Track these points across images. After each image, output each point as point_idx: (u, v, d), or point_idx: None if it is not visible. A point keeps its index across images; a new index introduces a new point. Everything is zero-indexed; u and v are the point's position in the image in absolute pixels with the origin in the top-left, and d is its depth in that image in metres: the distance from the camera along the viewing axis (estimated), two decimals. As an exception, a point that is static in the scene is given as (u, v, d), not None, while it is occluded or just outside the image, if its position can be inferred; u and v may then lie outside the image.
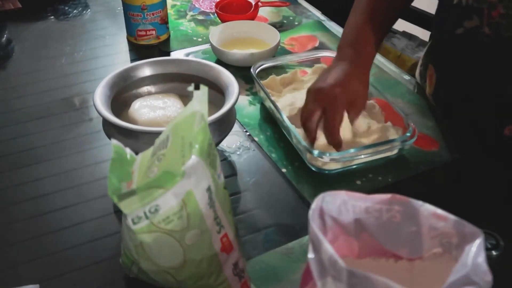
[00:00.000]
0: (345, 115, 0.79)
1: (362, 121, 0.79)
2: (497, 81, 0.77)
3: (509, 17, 0.72)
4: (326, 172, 0.74)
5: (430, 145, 0.81)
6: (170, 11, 1.17)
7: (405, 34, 1.49)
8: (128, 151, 0.57)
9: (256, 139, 0.82)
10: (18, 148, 0.80)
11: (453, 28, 0.79)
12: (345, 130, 0.76)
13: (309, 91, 0.74)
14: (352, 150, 0.73)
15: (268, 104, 0.83)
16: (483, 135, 0.80)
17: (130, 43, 1.07)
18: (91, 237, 0.66)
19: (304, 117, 0.74)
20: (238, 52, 0.98)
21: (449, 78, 0.85)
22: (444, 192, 0.72)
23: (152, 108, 0.76)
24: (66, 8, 1.20)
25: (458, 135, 0.82)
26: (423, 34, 1.43)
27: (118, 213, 0.67)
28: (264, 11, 1.17)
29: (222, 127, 0.73)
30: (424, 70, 0.91)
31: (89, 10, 1.20)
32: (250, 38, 1.04)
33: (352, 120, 0.75)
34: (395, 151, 0.76)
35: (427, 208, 0.44)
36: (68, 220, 0.68)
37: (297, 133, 0.74)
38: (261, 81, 0.86)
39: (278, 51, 1.01)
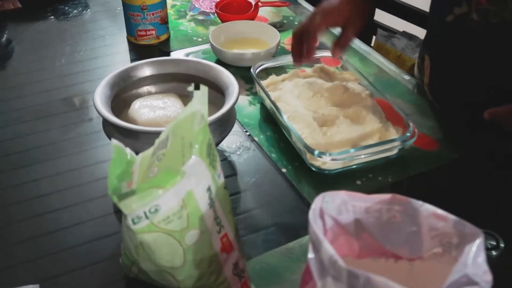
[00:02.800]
0: (345, 120, 0.79)
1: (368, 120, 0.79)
2: (487, 67, 0.78)
3: (497, 3, 0.72)
4: (326, 172, 0.74)
5: (430, 145, 0.81)
6: (170, 11, 1.17)
7: (405, 34, 1.49)
8: (128, 151, 0.56)
9: (256, 139, 0.82)
10: (18, 148, 0.80)
11: (444, 15, 0.80)
12: (345, 131, 0.77)
13: None
14: (352, 150, 0.73)
15: (268, 104, 0.83)
16: (477, 125, 0.80)
17: (130, 43, 1.07)
18: (91, 237, 0.66)
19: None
20: (238, 52, 0.98)
21: (442, 66, 0.85)
22: (444, 192, 0.72)
23: (152, 108, 0.76)
24: (66, 8, 1.20)
25: (454, 127, 0.83)
26: (423, 34, 1.43)
27: (118, 213, 0.67)
28: (264, 11, 1.17)
29: (222, 127, 0.73)
30: (422, 62, 0.91)
31: (89, 10, 1.20)
32: (250, 38, 1.04)
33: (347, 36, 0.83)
34: (395, 151, 0.76)
35: (427, 208, 0.44)
36: (68, 220, 0.68)
37: (297, 133, 0.74)
38: (261, 81, 0.86)
39: (278, 51, 1.01)
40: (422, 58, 0.92)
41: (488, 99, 0.79)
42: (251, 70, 0.87)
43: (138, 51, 1.04)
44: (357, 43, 1.07)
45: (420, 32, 1.46)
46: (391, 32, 1.51)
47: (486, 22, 0.74)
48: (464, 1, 0.76)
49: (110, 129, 0.71)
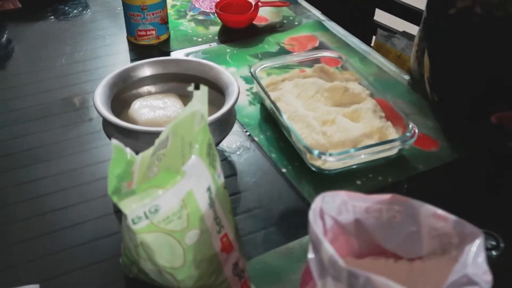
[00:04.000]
0: (345, 120, 0.79)
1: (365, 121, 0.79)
2: (489, 60, 0.78)
3: None
4: (326, 172, 0.74)
5: (430, 145, 0.81)
6: (170, 11, 1.17)
7: (405, 34, 1.49)
8: (128, 151, 0.56)
9: (256, 139, 0.82)
10: (18, 148, 0.80)
11: (445, 8, 0.80)
12: (345, 131, 0.77)
13: None
14: (352, 150, 0.73)
15: (268, 104, 0.83)
16: (478, 124, 0.80)
17: (130, 43, 1.07)
18: (91, 237, 0.66)
19: None
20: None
21: (443, 59, 0.85)
22: (444, 192, 0.72)
23: (152, 108, 0.76)
24: (66, 8, 1.20)
25: (454, 124, 0.83)
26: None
27: (118, 213, 0.67)
28: (264, 11, 1.17)
29: (222, 127, 0.73)
30: (421, 55, 0.91)
31: (89, 10, 1.20)
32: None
33: None
34: (395, 151, 0.76)
35: (427, 208, 0.44)
36: (68, 220, 0.68)
37: (297, 133, 0.74)
38: (261, 81, 0.85)
39: (278, 51, 1.01)
40: (422, 51, 0.91)
41: (489, 92, 0.79)
42: (251, 70, 0.87)
43: (138, 51, 1.04)
44: (357, 43, 1.07)
45: (420, 32, 1.46)
46: (391, 32, 1.51)
47: (489, 15, 0.74)
48: None
49: (110, 129, 0.71)
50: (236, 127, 0.80)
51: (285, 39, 1.07)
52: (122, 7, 1.04)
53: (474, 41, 0.78)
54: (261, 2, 1.14)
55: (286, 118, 0.77)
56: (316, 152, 0.71)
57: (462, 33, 0.79)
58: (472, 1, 0.75)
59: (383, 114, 0.81)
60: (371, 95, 0.84)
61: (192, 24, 1.14)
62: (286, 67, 0.93)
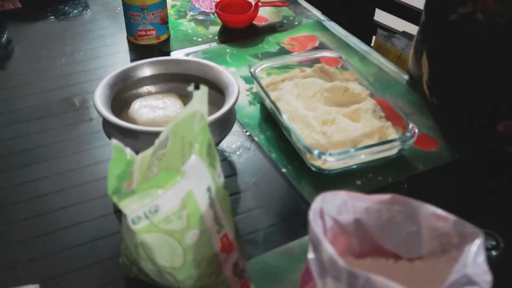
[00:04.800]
0: (345, 120, 0.79)
1: (365, 121, 0.79)
2: (490, 66, 0.78)
3: (503, 4, 0.72)
4: (326, 172, 0.74)
5: (430, 145, 0.81)
6: (170, 11, 1.17)
7: (405, 34, 1.49)
8: (128, 151, 0.56)
9: (256, 139, 0.82)
10: (18, 148, 0.80)
11: (446, 14, 0.79)
12: (345, 131, 0.77)
13: None
14: (352, 150, 0.73)
15: (268, 104, 0.83)
16: (478, 128, 0.80)
17: (130, 43, 1.07)
18: (91, 237, 0.66)
19: None
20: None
21: (442, 64, 0.85)
22: (444, 192, 0.72)
23: (152, 108, 0.76)
24: (66, 8, 1.20)
25: (454, 126, 0.82)
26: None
27: (118, 213, 0.67)
28: (264, 11, 1.17)
29: (222, 127, 0.73)
30: (420, 57, 0.91)
31: (89, 10, 1.20)
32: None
33: None
34: (395, 151, 0.76)
35: (427, 208, 0.44)
36: (68, 220, 0.68)
37: (297, 133, 0.74)
38: (261, 81, 0.85)
39: (278, 51, 1.01)
40: (420, 53, 0.91)
41: (490, 97, 0.79)
42: (251, 70, 0.87)
43: (138, 51, 1.04)
44: (357, 43, 1.07)
45: (420, 32, 1.46)
46: (391, 32, 1.51)
47: (491, 22, 0.73)
48: (469, 0, 0.75)
49: (110, 129, 0.71)
50: (236, 127, 0.80)
51: (285, 39, 1.08)
52: (122, 7, 1.04)
53: (475, 47, 0.78)
54: (261, 2, 1.14)
55: (286, 118, 0.77)
56: (316, 152, 0.71)
57: (463, 39, 0.79)
58: (473, 8, 0.75)
59: (383, 114, 0.81)
60: (371, 95, 0.84)
61: (192, 24, 1.14)
62: (286, 67, 0.93)
